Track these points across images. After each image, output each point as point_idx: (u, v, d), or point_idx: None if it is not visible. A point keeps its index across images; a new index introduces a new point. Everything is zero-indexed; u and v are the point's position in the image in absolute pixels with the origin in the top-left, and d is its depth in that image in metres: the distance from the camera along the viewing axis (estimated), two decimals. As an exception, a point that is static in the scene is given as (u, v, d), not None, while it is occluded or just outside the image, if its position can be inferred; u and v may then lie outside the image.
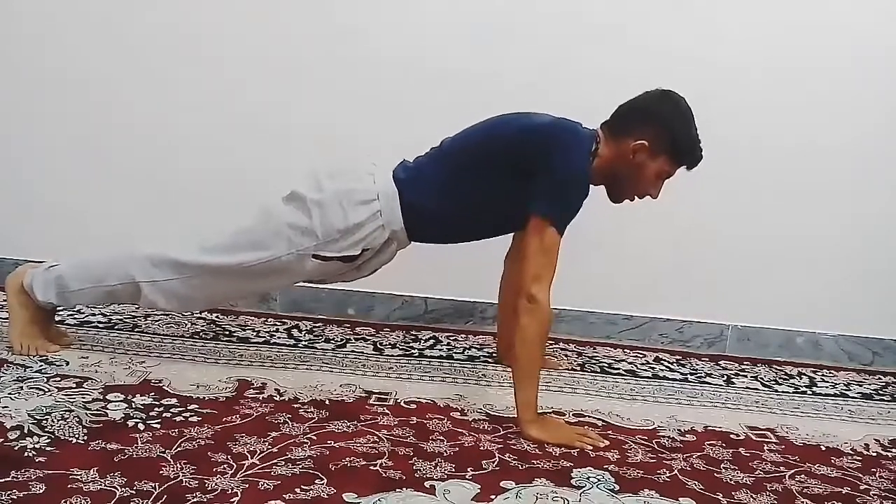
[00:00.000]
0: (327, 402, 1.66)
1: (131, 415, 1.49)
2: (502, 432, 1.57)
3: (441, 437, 1.52)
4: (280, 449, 1.39)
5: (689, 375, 2.13)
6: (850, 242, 2.43)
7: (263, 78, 2.40)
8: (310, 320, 2.32)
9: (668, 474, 1.43)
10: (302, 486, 1.25)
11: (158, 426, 1.45)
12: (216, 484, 1.23)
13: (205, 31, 2.39)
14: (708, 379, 2.11)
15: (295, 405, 1.62)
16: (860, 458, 1.61)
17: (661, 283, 2.45)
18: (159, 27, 2.39)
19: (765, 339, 2.46)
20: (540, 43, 2.35)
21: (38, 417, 1.43)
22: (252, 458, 1.34)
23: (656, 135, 1.63)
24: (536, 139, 1.65)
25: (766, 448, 1.62)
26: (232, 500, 1.19)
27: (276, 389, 1.71)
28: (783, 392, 2.06)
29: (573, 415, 1.72)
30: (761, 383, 2.12)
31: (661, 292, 2.45)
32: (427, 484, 1.30)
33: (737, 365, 2.28)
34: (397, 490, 1.27)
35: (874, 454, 1.65)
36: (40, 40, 2.42)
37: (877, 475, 1.53)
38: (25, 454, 1.29)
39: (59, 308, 1.90)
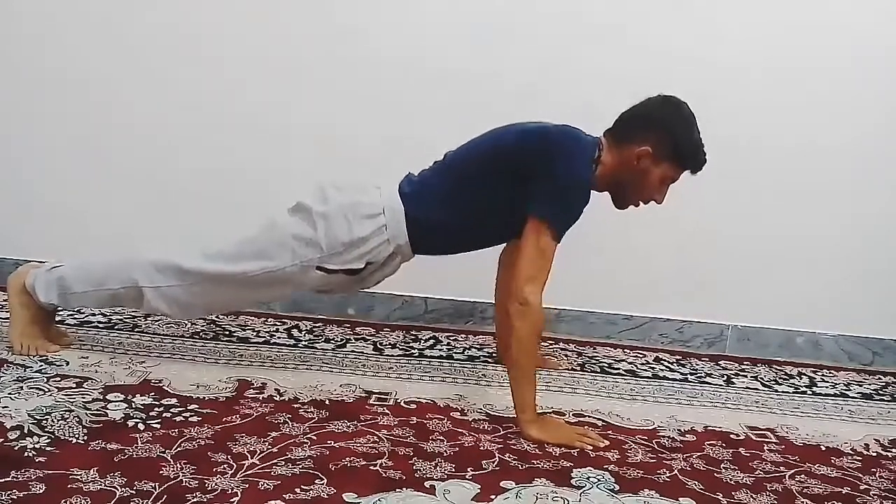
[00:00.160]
0: (327, 402, 1.66)
1: (131, 415, 1.49)
2: (502, 432, 1.57)
3: (441, 437, 1.52)
4: (280, 449, 1.39)
5: (689, 375, 2.13)
6: (850, 242, 2.43)
7: (263, 78, 2.40)
8: (310, 320, 2.32)
9: (668, 474, 1.43)
10: (302, 486, 1.25)
11: (158, 426, 1.45)
12: (216, 484, 1.23)
13: (205, 31, 2.39)
14: (708, 379, 2.11)
15: (295, 405, 1.62)
16: (860, 458, 1.61)
17: (661, 283, 2.45)
18: (159, 27, 2.39)
19: (765, 339, 2.46)
20: (540, 43, 2.35)
21: (38, 417, 1.43)
22: (252, 458, 1.34)
23: (659, 141, 1.63)
24: (537, 145, 1.65)
25: (766, 448, 1.62)
26: (232, 500, 1.19)
27: (276, 389, 1.71)
28: (783, 392, 2.06)
29: (573, 415, 1.72)
30: (761, 383, 2.12)
31: (661, 292, 2.45)
32: (427, 484, 1.30)
33: (737, 365, 2.28)
34: (397, 490, 1.27)
35: (874, 454, 1.65)
36: (40, 40, 2.42)
37: (877, 475, 1.53)
38: (25, 454, 1.29)
39: (59, 308, 1.90)
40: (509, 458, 1.44)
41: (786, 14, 2.32)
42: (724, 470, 1.48)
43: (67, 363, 1.76)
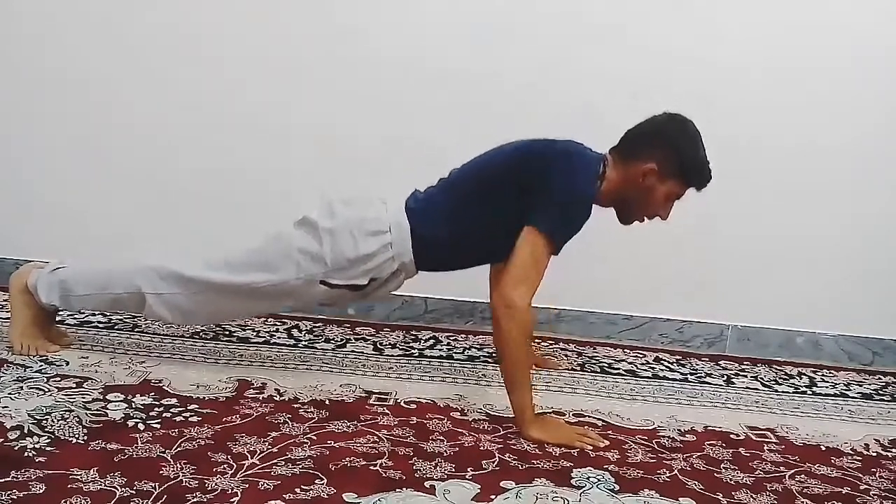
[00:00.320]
0: (327, 402, 1.66)
1: (131, 415, 1.49)
2: (502, 432, 1.57)
3: (441, 437, 1.52)
4: (280, 449, 1.39)
5: (689, 375, 2.13)
6: (850, 242, 2.43)
7: (263, 78, 2.40)
8: (310, 320, 2.32)
9: (668, 474, 1.43)
10: (302, 486, 1.25)
11: (158, 426, 1.45)
12: (216, 484, 1.23)
13: (205, 31, 2.39)
14: (708, 379, 2.11)
15: (295, 405, 1.62)
16: (860, 458, 1.61)
17: (661, 283, 2.45)
18: (159, 27, 2.40)
19: (765, 339, 2.46)
20: (540, 43, 2.35)
21: (38, 417, 1.43)
22: (252, 458, 1.34)
23: (665, 158, 1.64)
24: (542, 159, 1.64)
25: (766, 448, 1.62)
26: (232, 500, 1.19)
27: (276, 389, 1.71)
28: (783, 392, 2.06)
29: (573, 415, 1.72)
30: (761, 383, 2.12)
31: (661, 292, 2.45)
32: (427, 484, 1.30)
33: (737, 365, 2.28)
34: (397, 490, 1.27)
35: (874, 454, 1.65)
36: (40, 40, 2.42)
37: (877, 475, 1.53)
38: (25, 454, 1.29)
39: (60, 309, 1.90)
40: (509, 458, 1.44)
41: (786, 14, 2.32)
42: (724, 470, 1.48)
43: (67, 363, 1.76)
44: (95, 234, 2.41)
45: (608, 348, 2.33)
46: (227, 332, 2.10)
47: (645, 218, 1.74)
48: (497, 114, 2.37)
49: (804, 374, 2.25)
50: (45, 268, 1.83)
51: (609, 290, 2.44)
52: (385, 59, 2.37)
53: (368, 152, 2.41)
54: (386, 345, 2.14)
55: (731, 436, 1.68)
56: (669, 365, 2.21)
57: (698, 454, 1.55)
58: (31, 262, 1.97)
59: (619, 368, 2.13)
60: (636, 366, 2.17)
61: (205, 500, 1.18)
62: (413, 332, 2.29)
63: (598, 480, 1.37)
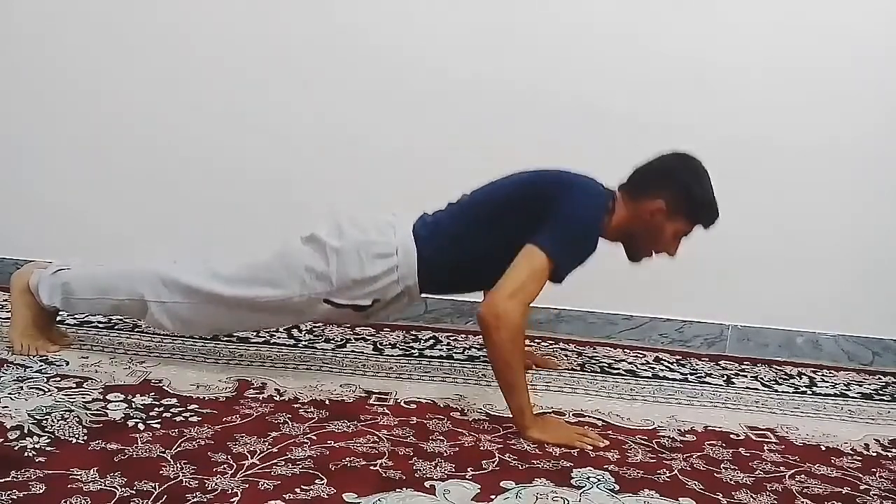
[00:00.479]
0: (327, 402, 1.66)
1: (131, 415, 1.49)
2: (502, 432, 1.57)
3: (441, 437, 1.52)
4: (280, 449, 1.39)
5: (689, 375, 2.13)
6: (850, 242, 2.43)
7: (264, 78, 2.40)
8: (310, 320, 2.31)
9: (668, 474, 1.43)
10: (302, 486, 1.24)
11: (158, 426, 1.45)
12: (216, 484, 1.23)
13: (205, 31, 2.39)
14: (708, 379, 2.11)
15: (295, 405, 1.62)
16: (860, 458, 1.61)
17: (661, 283, 2.45)
18: (159, 27, 2.40)
19: (765, 339, 2.46)
20: (541, 43, 2.35)
21: (38, 417, 1.43)
22: (252, 458, 1.34)
23: (673, 196, 1.65)
24: (553, 188, 1.65)
25: (766, 448, 1.62)
26: (232, 500, 1.19)
27: (276, 389, 1.71)
28: (783, 392, 2.06)
29: (573, 415, 1.72)
30: (761, 383, 2.12)
31: (661, 292, 2.45)
32: (427, 484, 1.30)
33: (737, 365, 2.28)
34: (397, 490, 1.27)
35: (874, 454, 1.65)
36: (40, 40, 2.42)
37: (877, 475, 1.53)
38: (25, 454, 1.28)
39: (61, 310, 1.90)
40: (509, 458, 1.44)
41: (786, 14, 2.32)
42: (724, 470, 1.48)
43: (67, 363, 1.76)
44: (95, 234, 2.41)
45: (608, 348, 2.33)
46: (227, 332, 2.10)
47: (653, 254, 1.75)
48: (498, 114, 2.38)
49: (804, 374, 2.25)
50: (47, 269, 1.83)
51: (609, 290, 2.44)
52: (386, 60, 2.37)
53: (369, 152, 2.41)
54: (386, 345, 2.14)
55: (731, 436, 1.68)
56: (669, 365, 2.21)
57: (698, 454, 1.55)
58: (31, 261, 1.97)
59: (619, 368, 2.13)
60: (636, 366, 2.17)
61: (205, 500, 1.18)
62: (413, 332, 2.29)
63: (598, 480, 1.37)
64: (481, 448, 1.48)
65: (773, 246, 2.42)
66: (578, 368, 2.10)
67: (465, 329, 2.39)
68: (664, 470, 1.45)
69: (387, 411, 1.63)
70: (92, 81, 2.43)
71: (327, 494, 1.23)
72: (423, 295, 1.78)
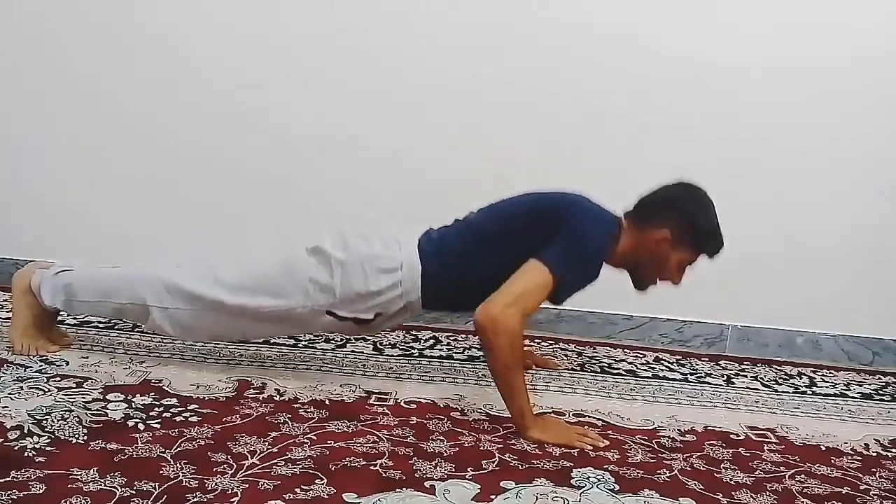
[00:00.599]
0: (327, 402, 1.66)
1: (131, 415, 1.49)
2: (502, 432, 1.57)
3: (441, 437, 1.52)
4: (280, 449, 1.39)
5: (689, 375, 2.13)
6: (850, 242, 2.43)
7: (263, 78, 2.40)
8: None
9: (668, 474, 1.43)
10: (302, 486, 1.25)
11: (158, 426, 1.45)
12: (216, 484, 1.23)
13: (205, 31, 2.39)
14: (708, 379, 2.11)
15: (295, 405, 1.62)
16: (860, 458, 1.61)
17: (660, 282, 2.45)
18: (159, 27, 2.40)
19: (765, 339, 2.46)
20: (541, 43, 2.35)
21: (38, 417, 1.43)
22: (252, 458, 1.34)
23: (678, 227, 1.66)
24: (565, 210, 1.65)
25: (766, 448, 1.62)
26: (232, 500, 1.19)
27: (276, 389, 1.71)
28: (783, 392, 2.06)
29: (573, 415, 1.72)
30: (761, 383, 2.12)
31: (660, 292, 2.44)
32: (427, 484, 1.30)
33: (737, 365, 2.28)
34: (397, 490, 1.27)
35: (874, 454, 1.65)
36: (40, 40, 2.42)
37: (877, 475, 1.53)
38: (25, 454, 1.28)
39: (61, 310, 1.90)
40: (509, 458, 1.44)
41: (786, 14, 2.32)
42: (724, 470, 1.48)
43: (67, 363, 1.76)
44: (95, 234, 2.41)
45: (608, 348, 2.33)
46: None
47: (657, 282, 1.77)
48: (497, 114, 2.38)
49: (804, 374, 2.25)
50: (49, 269, 1.83)
51: (609, 290, 2.42)
52: (386, 60, 2.37)
53: (369, 152, 2.41)
54: (386, 345, 2.14)
55: (731, 436, 1.68)
56: (669, 365, 2.21)
57: (698, 454, 1.55)
58: (32, 261, 1.97)
59: (619, 368, 2.13)
60: (636, 366, 2.17)
61: (205, 500, 1.18)
62: (413, 332, 2.29)
63: (598, 480, 1.37)
64: (481, 448, 1.48)
65: (773, 246, 2.42)
66: (578, 368, 2.10)
67: (465, 329, 2.39)
68: (664, 470, 1.45)
69: (387, 411, 1.63)
70: (92, 81, 2.43)
71: (327, 494, 1.23)
72: (425, 310, 1.78)
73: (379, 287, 1.66)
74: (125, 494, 1.17)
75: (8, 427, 1.38)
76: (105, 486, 1.20)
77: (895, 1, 2.31)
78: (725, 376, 2.15)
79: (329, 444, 1.43)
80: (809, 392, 2.08)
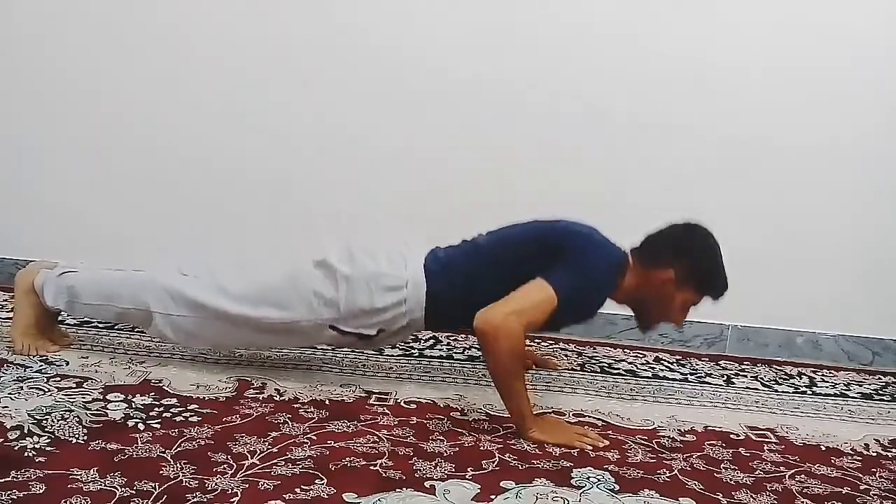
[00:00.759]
0: (327, 402, 1.66)
1: (131, 415, 1.49)
2: (502, 432, 1.57)
3: (441, 437, 1.52)
4: (280, 449, 1.39)
5: (689, 375, 2.13)
6: (850, 242, 2.43)
7: (263, 78, 2.40)
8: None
9: (668, 474, 1.43)
10: (302, 486, 1.25)
11: (158, 426, 1.45)
12: (216, 484, 1.23)
13: (205, 31, 2.39)
14: (708, 379, 2.11)
15: (295, 405, 1.62)
16: (860, 458, 1.61)
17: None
18: (159, 27, 2.40)
19: (765, 339, 2.46)
20: (541, 43, 2.35)
21: (38, 417, 1.43)
22: (252, 458, 1.34)
23: (683, 269, 1.67)
24: (575, 240, 1.66)
25: (766, 448, 1.62)
26: (232, 500, 1.19)
27: (276, 389, 1.71)
28: (783, 392, 2.06)
29: (573, 415, 1.72)
30: (761, 383, 2.12)
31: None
32: (427, 484, 1.30)
33: (737, 365, 2.28)
34: (397, 490, 1.27)
35: (874, 454, 1.65)
36: (40, 40, 2.42)
37: (877, 475, 1.53)
38: (25, 454, 1.28)
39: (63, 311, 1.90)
40: (509, 458, 1.44)
41: (786, 14, 2.32)
42: (724, 470, 1.48)
43: (67, 363, 1.76)
44: (95, 234, 2.41)
45: (608, 348, 2.33)
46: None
47: (660, 322, 1.78)
48: (497, 114, 2.38)
49: (804, 374, 2.25)
50: (53, 270, 1.82)
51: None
52: (386, 60, 2.37)
53: (369, 152, 2.41)
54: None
55: (731, 436, 1.68)
56: (669, 365, 2.21)
57: (698, 454, 1.55)
58: (32, 261, 1.97)
59: (618, 368, 2.13)
60: (636, 366, 2.17)
61: (205, 500, 1.18)
62: (413, 332, 2.29)
63: (598, 480, 1.37)
64: (481, 448, 1.48)
65: (773, 246, 2.42)
66: (578, 368, 2.10)
67: (466, 329, 2.38)
68: (664, 470, 1.45)
69: (387, 411, 1.63)
70: (92, 81, 2.43)
71: (327, 494, 1.23)
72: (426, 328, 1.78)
73: (383, 304, 1.67)
74: (125, 494, 1.17)
75: (8, 427, 1.38)
76: (105, 486, 1.20)
77: (895, 1, 2.31)
78: (725, 376, 2.15)
79: (329, 444, 1.43)
80: (809, 392, 2.08)
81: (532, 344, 2.24)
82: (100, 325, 2.07)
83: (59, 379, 1.65)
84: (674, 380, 2.07)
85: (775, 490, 1.41)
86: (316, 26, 2.37)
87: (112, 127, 2.44)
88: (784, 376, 2.21)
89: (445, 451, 1.45)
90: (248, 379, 1.76)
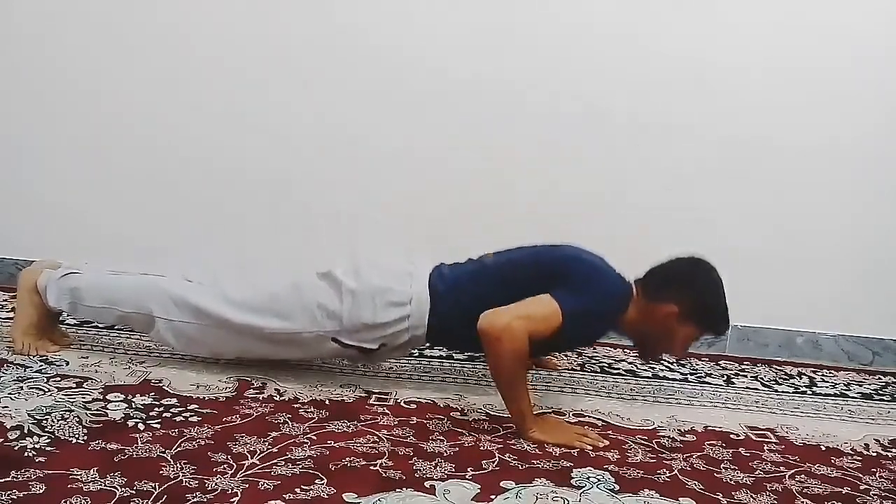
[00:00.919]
0: (327, 402, 1.66)
1: (131, 415, 1.49)
2: (502, 432, 1.57)
3: (441, 437, 1.52)
4: (280, 449, 1.39)
5: (689, 375, 2.13)
6: (850, 242, 2.43)
7: (263, 78, 2.40)
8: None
9: (668, 474, 1.43)
10: (302, 486, 1.25)
11: (158, 426, 1.45)
12: (216, 484, 1.23)
13: (205, 31, 2.39)
14: (708, 379, 2.11)
15: (295, 405, 1.62)
16: (860, 458, 1.61)
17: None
18: (159, 27, 2.40)
19: (765, 339, 2.46)
20: (541, 43, 2.35)
21: (38, 417, 1.43)
22: (252, 458, 1.34)
23: (686, 303, 1.68)
24: (586, 269, 1.67)
25: (766, 448, 1.62)
26: (232, 500, 1.19)
27: (276, 389, 1.71)
28: (783, 392, 2.06)
29: (573, 415, 1.72)
30: (761, 383, 2.12)
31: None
32: (427, 484, 1.30)
33: (737, 365, 2.28)
34: (397, 490, 1.27)
35: (874, 454, 1.65)
36: (40, 40, 2.42)
37: (877, 475, 1.53)
38: (25, 454, 1.28)
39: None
40: (509, 458, 1.44)
41: (786, 14, 2.32)
42: (724, 470, 1.48)
43: (67, 363, 1.76)
44: (95, 234, 2.41)
45: (608, 348, 2.33)
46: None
47: (663, 353, 1.80)
48: (497, 114, 2.38)
49: (804, 374, 2.25)
50: (57, 271, 1.82)
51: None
52: (385, 60, 2.37)
53: (369, 152, 2.41)
54: (386, 345, 2.14)
55: (731, 436, 1.68)
56: (669, 365, 2.21)
57: (698, 454, 1.55)
58: (33, 261, 1.97)
59: (619, 368, 2.13)
60: (636, 366, 2.17)
61: (205, 500, 1.18)
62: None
63: (598, 480, 1.37)
64: (481, 448, 1.48)
65: (773, 246, 2.42)
66: (578, 368, 2.10)
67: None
68: (664, 470, 1.45)
69: (387, 411, 1.63)
70: (92, 81, 2.43)
71: (327, 494, 1.23)
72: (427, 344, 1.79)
73: (386, 319, 1.67)
74: (125, 494, 1.17)
75: (8, 427, 1.38)
76: (105, 486, 1.20)
77: (895, 1, 2.31)
78: (725, 376, 2.15)
79: (329, 444, 1.43)
80: (809, 392, 2.08)
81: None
82: (100, 326, 2.07)
83: (59, 379, 1.65)
84: (674, 380, 2.07)
85: (775, 490, 1.41)
86: (316, 26, 2.37)
87: (112, 127, 2.44)
88: (784, 376, 2.21)
89: (445, 451, 1.45)
90: (248, 379, 1.76)
